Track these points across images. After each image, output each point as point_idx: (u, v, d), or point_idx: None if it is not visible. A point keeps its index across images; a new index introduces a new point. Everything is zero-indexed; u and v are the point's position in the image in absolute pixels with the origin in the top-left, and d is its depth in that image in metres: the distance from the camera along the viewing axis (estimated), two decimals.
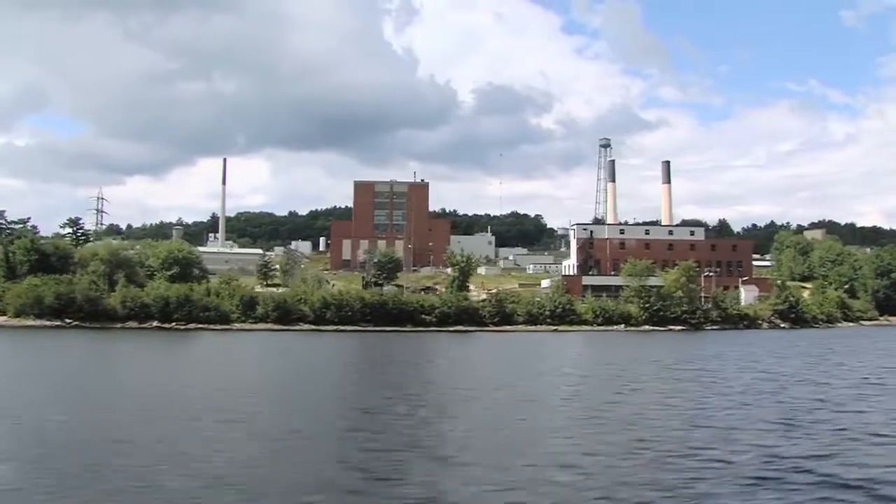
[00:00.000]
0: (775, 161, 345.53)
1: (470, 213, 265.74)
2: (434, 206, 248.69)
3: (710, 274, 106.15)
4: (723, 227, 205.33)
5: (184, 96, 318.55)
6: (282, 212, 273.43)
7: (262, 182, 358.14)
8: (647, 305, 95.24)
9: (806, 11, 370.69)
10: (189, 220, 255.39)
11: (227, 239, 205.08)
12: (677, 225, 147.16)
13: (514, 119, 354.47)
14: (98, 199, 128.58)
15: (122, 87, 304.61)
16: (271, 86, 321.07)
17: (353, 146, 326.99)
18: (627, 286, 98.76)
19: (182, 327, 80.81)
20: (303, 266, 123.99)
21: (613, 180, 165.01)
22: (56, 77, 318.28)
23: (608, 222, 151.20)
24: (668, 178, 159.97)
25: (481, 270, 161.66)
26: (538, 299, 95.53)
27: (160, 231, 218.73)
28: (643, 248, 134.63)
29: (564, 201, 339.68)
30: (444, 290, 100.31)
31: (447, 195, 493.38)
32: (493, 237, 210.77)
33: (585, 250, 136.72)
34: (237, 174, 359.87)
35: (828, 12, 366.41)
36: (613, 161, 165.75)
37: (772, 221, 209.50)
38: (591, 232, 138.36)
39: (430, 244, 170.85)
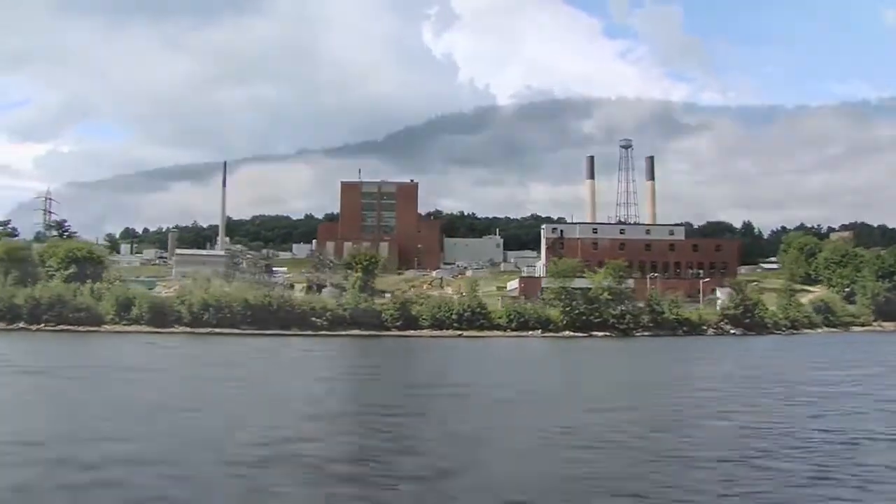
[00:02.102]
0: (820, 165, 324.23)
1: (490, 217, 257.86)
2: (455, 208, 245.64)
3: (656, 275, 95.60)
4: (747, 229, 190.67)
5: (225, 103, 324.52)
6: (298, 215, 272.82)
7: (303, 188, 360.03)
8: (568, 309, 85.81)
9: (849, 12, 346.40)
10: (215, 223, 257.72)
11: (236, 243, 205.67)
12: (657, 224, 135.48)
13: (553, 124, 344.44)
14: (45, 199, 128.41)
15: (166, 94, 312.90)
16: (311, 92, 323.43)
17: (393, 151, 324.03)
18: (547, 288, 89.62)
19: (50, 329, 77.83)
20: (258, 266, 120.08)
21: (592, 177, 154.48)
22: (101, 85, 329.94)
23: (585, 223, 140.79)
24: (651, 175, 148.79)
25: (468, 273, 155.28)
26: (446, 301, 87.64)
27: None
28: (617, 248, 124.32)
29: (605, 206, 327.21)
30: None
31: (485, 198, 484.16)
32: (501, 240, 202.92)
33: (555, 250, 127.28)
34: (278, 180, 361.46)
35: (870, 12, 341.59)
36: (593, 157, 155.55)
37: (801, 224, 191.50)
38: (562, 232, 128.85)
39: (419, 246, 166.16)
